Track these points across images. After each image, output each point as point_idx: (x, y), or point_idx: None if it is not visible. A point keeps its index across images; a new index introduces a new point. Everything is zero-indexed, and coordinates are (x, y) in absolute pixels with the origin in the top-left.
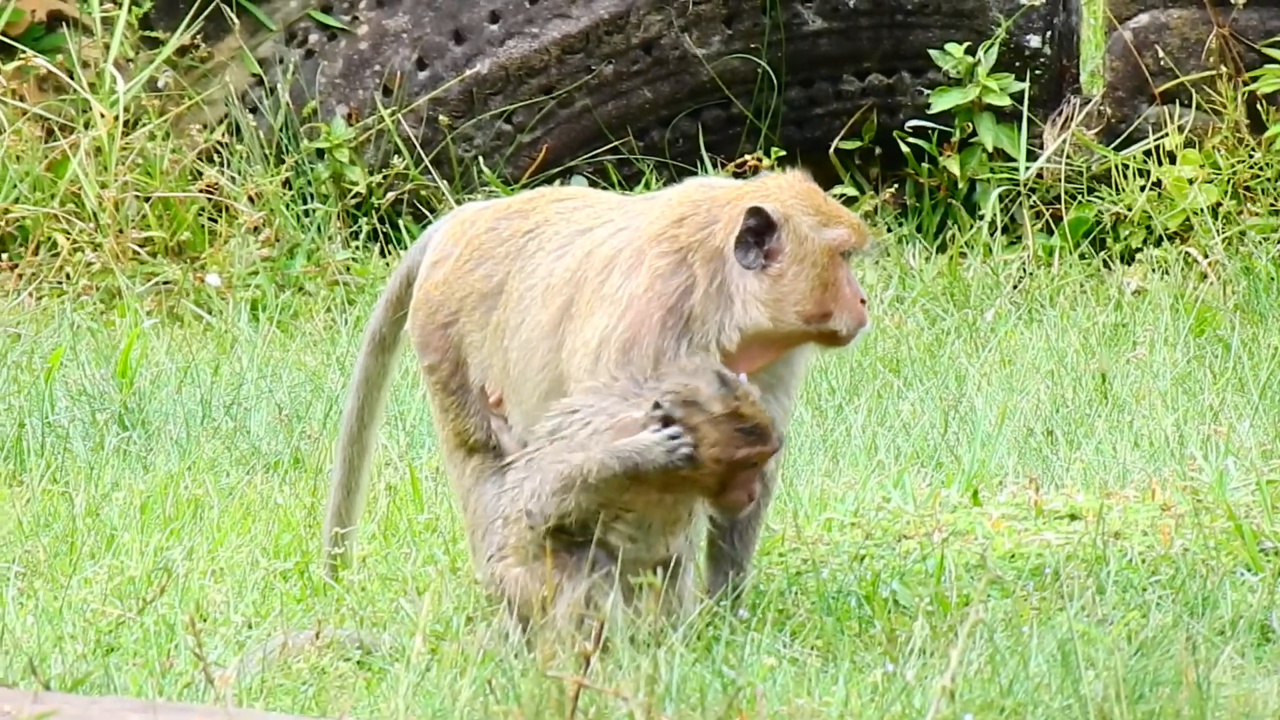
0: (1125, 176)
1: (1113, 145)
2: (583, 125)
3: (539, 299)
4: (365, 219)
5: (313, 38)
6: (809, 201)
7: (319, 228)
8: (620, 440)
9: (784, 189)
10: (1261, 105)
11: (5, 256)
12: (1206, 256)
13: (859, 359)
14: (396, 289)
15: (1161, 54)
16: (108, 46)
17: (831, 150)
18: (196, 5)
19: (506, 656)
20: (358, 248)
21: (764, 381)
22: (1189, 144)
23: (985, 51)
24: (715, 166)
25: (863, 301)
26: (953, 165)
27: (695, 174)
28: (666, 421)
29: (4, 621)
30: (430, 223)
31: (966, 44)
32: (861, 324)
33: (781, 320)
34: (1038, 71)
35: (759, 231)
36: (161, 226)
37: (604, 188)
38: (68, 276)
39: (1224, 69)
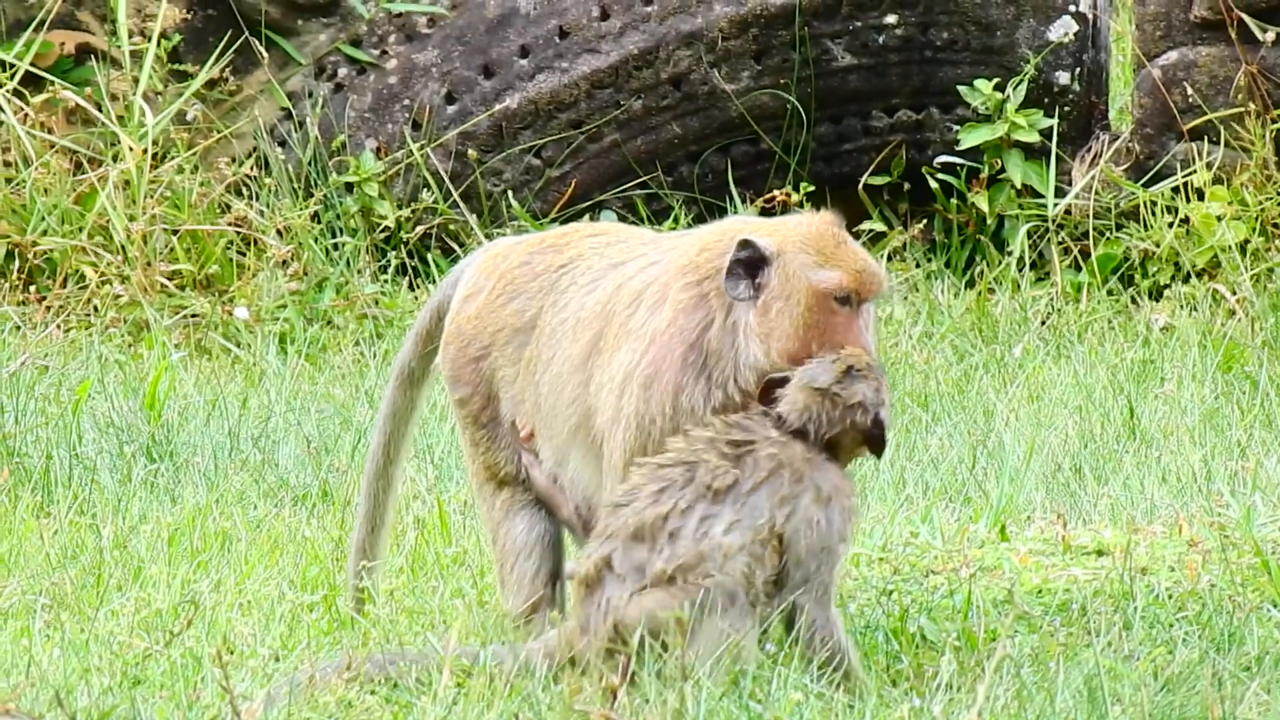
0: (1153, 213)
1: (1141, 182)
2: (611, 160)
3: (570, 333)
4: (394, 253)
5: (342, 72)
6: (815, 242)
7: (347, 261)
8: None
9: (797, 227)
10: None
11: (33, 289)
12: (1234, 293)
13: None
14: (427, 323)
15: (1190, 91)
16: (136, 79)
17: (860, 186)
18: (225, 39)
19: (533, 690)
20: (386, 281)
21: None
22: (1217, 181)
23: (1014, 88)
24: (744, 202)
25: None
26: (981, 201)
27: (724, 209)
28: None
29: (31, 653)
30: (459, 257)
31: (995, 80)
32: None
33: (771, 357)
34: (1066, 108)
35: (752, 264)
36: (189, 259)
37: (633, 223)
38: (96, 309)
39: (1252, 106)
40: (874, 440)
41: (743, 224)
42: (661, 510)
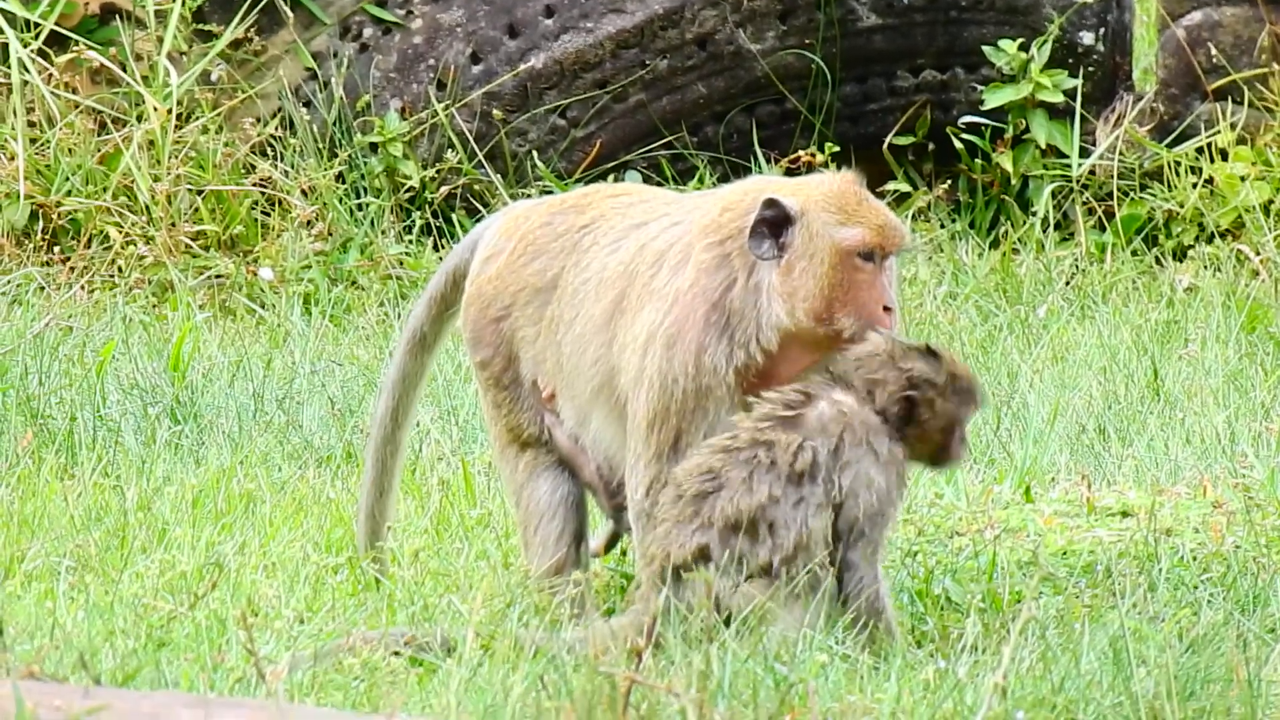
0: (1177, 174)
1: (1165, 142)
2: (637, 120)
3: (593, 293)
4: (418, 213)
5: (367, 31)
6: (838, 200)
7: (372, 222)
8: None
9: (819, 185)
10: None
11: (58, 250)
12: (1259, 254)
13: None
14: (441, 287)
15: (1214, 51)
16: (161, 39)
17: (885, 146)
18: None
19: (559, 652)
20: (411, 242)
21: None
22: (1241, 141)
23: (1039, 48)
24: (769, 162)
25: (887, 309)
26: (1006, 162)
27: (749, 170)
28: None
29: (55, 616)
30: (484, 217)
31: (1020, 40)
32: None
33: (795, 317)
34: (1091, 68)
35: (776, 224)
36: (214, 220)
37: (657, 183)
38: (120, 270)
39: (1276, 66)
40: (944, 460)
41: (765, 183)
42: (758, 500)
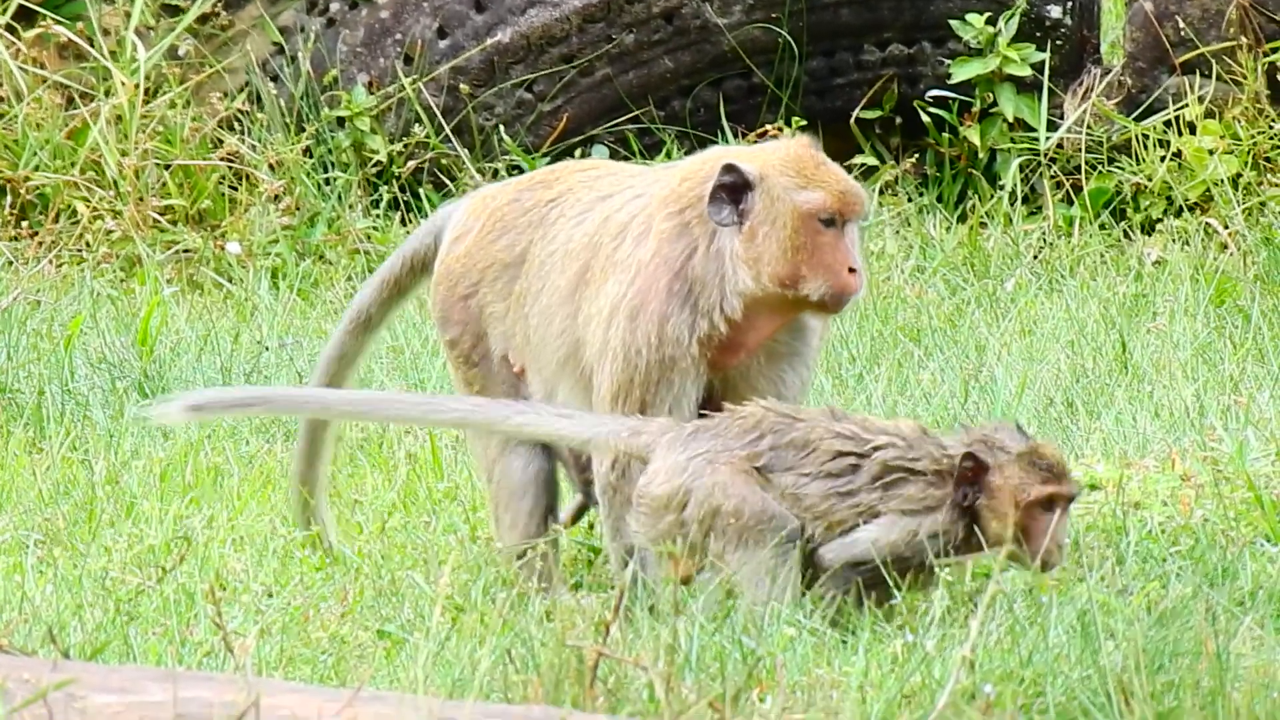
0: (1145, 147)
1: (1133, 116)
2: (603, 94)
3: (558, 265)
4: (386, 187)
5: (334, 6)
6: (796, 164)
7: (339, 196)
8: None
9: (776, 151)
10: None
11: (26, 224)
12: (1227, 227)
13: (879, 328)
14: (394, 270)
15: (1182, 24)
16: (128, 14)
17: (852, 120)
18: None
19: (526, 626)
20: (378, 216)
21: (777, 353)
22: (1209, 114)
23: (1006, 21)
24: (736, 136)
25: (852, 270)
26: (973, 135)
27: (716, 144)
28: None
29: (23, 590)
30: (451, 191)
31: (987, 14)
32: (843, 291)
33: (761, 282)
34: (1058, 42)
35: (736, 189)
36: (182, 195)
37: (625, 157)
38: (88, 244)
39: (1244, 40)
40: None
41: (723, 153)
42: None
